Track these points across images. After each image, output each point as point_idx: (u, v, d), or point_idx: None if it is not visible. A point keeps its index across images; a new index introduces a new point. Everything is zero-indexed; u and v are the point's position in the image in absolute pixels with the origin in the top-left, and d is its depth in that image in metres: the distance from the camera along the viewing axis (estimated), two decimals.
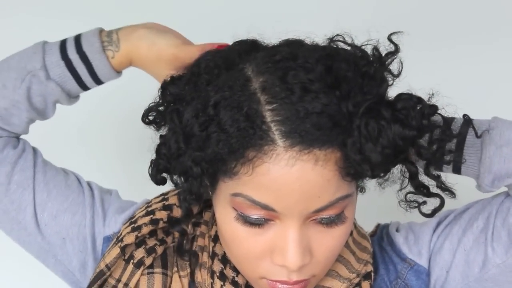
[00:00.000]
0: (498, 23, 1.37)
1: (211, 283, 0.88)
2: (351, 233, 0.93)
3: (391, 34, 0.81)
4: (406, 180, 0.81)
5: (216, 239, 0.90)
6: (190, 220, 0.89)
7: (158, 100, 0.87)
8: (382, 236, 0.97)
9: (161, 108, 0.86)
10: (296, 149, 0.72)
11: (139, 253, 0.89)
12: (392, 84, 0.80)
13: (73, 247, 0.93)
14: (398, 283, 0.91)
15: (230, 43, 0.87)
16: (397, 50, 0.81)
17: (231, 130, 0.73)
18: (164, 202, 0.94)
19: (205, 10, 1.37)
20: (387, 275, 0.92)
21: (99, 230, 0.93)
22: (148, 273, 0.89)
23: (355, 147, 0.73)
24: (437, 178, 0.80)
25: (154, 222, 0.91)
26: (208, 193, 0.84)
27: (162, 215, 0.91)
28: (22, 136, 0.95)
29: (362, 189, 0.86)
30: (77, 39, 0.92)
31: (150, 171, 0.86)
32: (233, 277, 0.88)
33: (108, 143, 1.39)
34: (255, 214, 0.77)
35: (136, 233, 0.89)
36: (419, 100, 0.78)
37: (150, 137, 0.87)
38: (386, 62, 0.80)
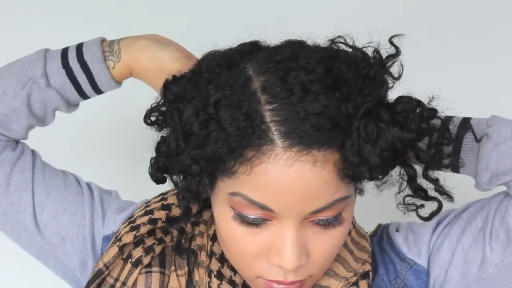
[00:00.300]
0: (501, 25, 1.38)
1: (209, 282, 0.88)
2: (350, 233, 0.93)
3: (392, 37, 0.81)
4: (405, 183, 0.81)
5: (214, 238, 0.90)
6: (189, 219, 0.89)
7: (159, 100, 0.87)
8: (382, 236, 0.97)
9: (163, 108, 0.86)
10: (295, 149, 0.72)
11: (137, 252, 0.89)
12: (393, 86, 0.80)
13: (72, 247, 0.93)
14: (398, 283, 0.91)
15: (231, 46, 0.86)
16: (398, 52, 0.81)
17: (230, 129, 0.73)
18: (163, 201, 0.94)
19: (206, 11, 1.38)
20: (386, 275, 0.92)
21: (99, 230, 0.94)
22: (146, 272, 0.89)
23: (353, 149, 0.73)
24: (435, 182, 0.80)
25: (153, 221, 0.91)
26: (207, 192, 0.84)
27: (160, 214, 0.92)
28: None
29: (360, 191, 0.86)
30: (79, 48, 0.92)
31: (149, 170, 0.86)
32: (231, 276, 0.88)
33: (107, 146, 1.40)
34: (253, 214, 0.77)
35: (134, 232, 0.89)
36: (419, 103, 0.78)
37: (150, 140, 0.86)
38: (387, 65, 0.80)
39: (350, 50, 0.81)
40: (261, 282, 0.82)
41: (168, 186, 0.87)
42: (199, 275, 0.89)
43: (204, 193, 0.83)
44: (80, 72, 0.91)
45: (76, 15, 1.36)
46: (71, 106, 0.95)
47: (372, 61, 0.79)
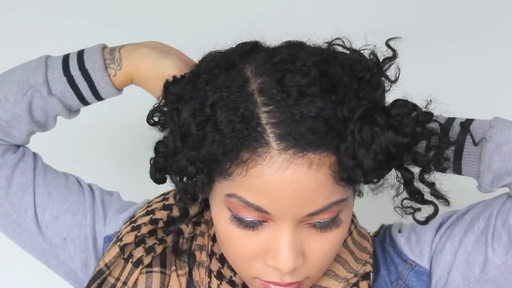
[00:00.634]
0: (500, 31, 1.37)
1: (208, 282, 0.89)
2: (351, 233, 0.93)
3: (389, 40, 0.81)
4: (402, 186, 0.80)
5: (215, 238, 0.90)
6: (186, 220, 0.89)
7: (161, 101, 0.87)
8: (384, 237, 0.97)
9: (164, 109, 0.86)
10: (290, 152, 0.72)
11: (138, 252, 0.89)
12: (389, 89, 0.79)
13: (74, 247, 0.93)
14: (399, 284, 0.91)
15: (231, 46, 0.86)
16: (395, 55, 0.80)
17: (226, 130, 0.73)
18: (165, 202, 0.94)
19: (205, 12, 1.38)
20: (388, 276, 0.92)
21: (100, 230, 0.94)
22: (147, 272, 0.89)
23: (348, 153, 0.72)
24: (431, 186, 0.80)
25: (154, 221, 0.91)
26: (207, 192, 0.84)
27: (162, 214, 0.92)
28: None
29: (359, 193, 0.86)
30: (80, 55, 0.93)
31: (149, 169, 0.86)
32: (231, 276, 0.88)
33: (109, 148, 1.40)
34: (249, 216, 0.77)
35: (135, 232, 0.90)
36: (414, 106, 0.77)
37: (150, 141, 0.86)
38: (384, 68, 0.80)
39: (348, 52, 0.80)
40: (258, 283, 0.82)
41: (169, 186, 0.88)
42: (200, 275, 0.90)
43: (202, 193, 0.83)
44: (81, 80, 0.91)
45: (76, 15, 1.36)
46: (72, 112, 0.95)
47: (368, 64, 0.79)
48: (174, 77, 0.85)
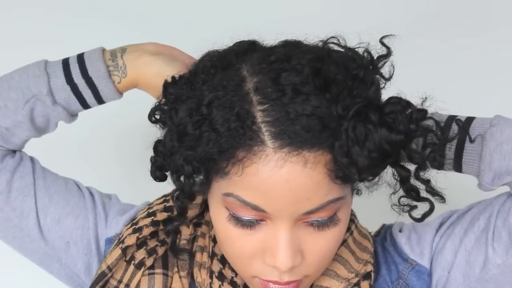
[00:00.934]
0: (501, 29, 1.37)
1: (210, 283, 0.89)
2: (352, 233, 0.93)
3: (383, 37, 0.81)
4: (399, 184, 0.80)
5: (216, 239, 0.90)
6: (184, 219, 0.89)
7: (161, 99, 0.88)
8: (385, 236, 0.97)
9: (165, 107, 0.86)
10: (285, 150, 0.72)
11: (140, 254, 0.90)
12: (384, 87, 0.80)
13: (77, 250, 0.93)
14: (400, 283, 0.91)
15: (229, 45, 0.86)
16: (389, 53, 0.81)
17: (221, 129, 0.74)
18: (165, 203, 0.94)
19: (204, 12, 1.38)
20: (389, 275, 0.92)
21: (102, 232, 0.94)
22: (149, 274, 0.90)
23: (342, 150, 0.72)
24: (426, 183, 0.80)
25: (155, 223, 0.91)
26: (205, 192, 0.84)
27: (163, 216, 0.92)
28: None
29: (358, 191, 0.86)
30: (81, 61, 0.92)
31: (150, 168, 0.86)
32: (232, 277, 0.88)
33: (107, 151, 1.40)
34: (246, 215, 0.77)
35: (137, 234, 0.90)
36: (408, 104, 0.77)
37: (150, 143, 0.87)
38: (378, 65, 0.80)
39: (342, 50, 0.80)
40: (257, 282, 0.82)
41: (173, 186, 0.88)
42: (201, 276, 0.90)
43: (199, 193, 0.83)
44: (85, 88, 0.91)
45: (76, 15, 1.36)
46: (73, 116, 0.95)
47: (362, 61, 0.79)
48: (173, 77, 0.85)
